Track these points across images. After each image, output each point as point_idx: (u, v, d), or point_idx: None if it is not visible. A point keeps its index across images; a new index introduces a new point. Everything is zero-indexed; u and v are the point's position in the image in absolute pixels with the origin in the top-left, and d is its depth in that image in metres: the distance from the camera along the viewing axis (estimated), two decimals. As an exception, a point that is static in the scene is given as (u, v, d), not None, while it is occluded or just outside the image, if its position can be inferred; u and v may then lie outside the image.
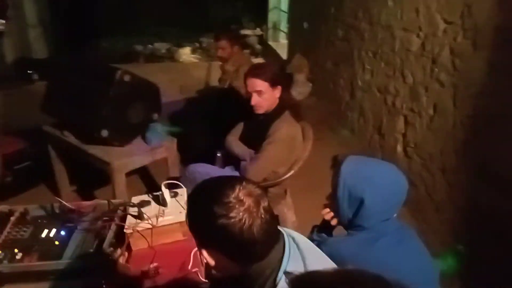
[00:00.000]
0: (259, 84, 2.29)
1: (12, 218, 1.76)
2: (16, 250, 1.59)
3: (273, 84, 2.32)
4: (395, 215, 1.36)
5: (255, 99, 2.31)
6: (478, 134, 2.36)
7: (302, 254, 1.04)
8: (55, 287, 1.52)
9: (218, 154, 2.68)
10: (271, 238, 1.03)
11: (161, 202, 1.76)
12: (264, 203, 1.00)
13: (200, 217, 1.01)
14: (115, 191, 2.42)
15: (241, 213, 0.96)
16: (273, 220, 1.03)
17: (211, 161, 2.66)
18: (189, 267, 1.60)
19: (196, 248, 1.64)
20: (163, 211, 1.72)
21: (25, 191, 3.06)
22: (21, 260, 1.56)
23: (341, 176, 1.32)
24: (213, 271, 1.09)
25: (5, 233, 1.67)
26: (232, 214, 0.95)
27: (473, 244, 2.41)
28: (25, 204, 1.86)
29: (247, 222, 0.96)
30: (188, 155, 3.08)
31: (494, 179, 2.24)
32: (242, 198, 0.98)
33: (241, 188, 0.99)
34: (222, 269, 1.06)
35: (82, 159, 2.67)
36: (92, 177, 2.92)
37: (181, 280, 1.55)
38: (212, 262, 1.03)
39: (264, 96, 2.30)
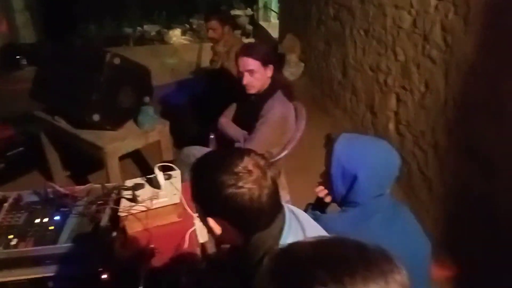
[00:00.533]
0: (251, 63, 2.27)
1: (6, 205, 1.76)
2: (11, 236, 1.59)
3: (264, 63, 2.31)
4: (388, 191, 1.38)
5: (247, 79, 2.30)
6: (468, 112, 2.37)
7: (302, 226, 1.07)
8: (51, 272, 1.53)
9: (211, 136, 2.68)
10: (276, 208, 1.05)
11: (155, 184, 1.76)
12: (271, 173, 1.03)
13: (208, 186, 1.01)
14: (108, 175, 2.41)
15: (250, 183, 0.98)
16: (277, 191, 1.05)
17: (205, 143, 2.66)
18: (185, 247, 1.61)
19: (191, 229, 1.66)
20: (157, 193, 1.72)
21: (18, 178, 3.05)
22: (16, 245, 1.55)
23: (334, 153, 1.33)
24: (215, 240, 1.10)
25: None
26: (241, 184, 0.97)
27: (462, 222, 2.46)
28: (18, 190, 1.86)
29: (256, 192, 0.98)
30: (181, 138, 3.07)
31: (481, 158, 2.26)
32: (250, 168, 1.00)
33: (249, 158, 1.01)
34: (226, 238, 1.08)
35: (74, 144, 2.65)
36: (85, 162, 2.91)
37: (178, 260, 1.57)
38: (218, 231, 1.05)
39: (255, 75, 2.29)
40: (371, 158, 1.31)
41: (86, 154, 2.61)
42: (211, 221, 1.04)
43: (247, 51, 2.32)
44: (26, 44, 6.04)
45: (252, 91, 2.34)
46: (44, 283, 1.55)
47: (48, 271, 1.53)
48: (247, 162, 1.00)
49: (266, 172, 1.02)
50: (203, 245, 1.69)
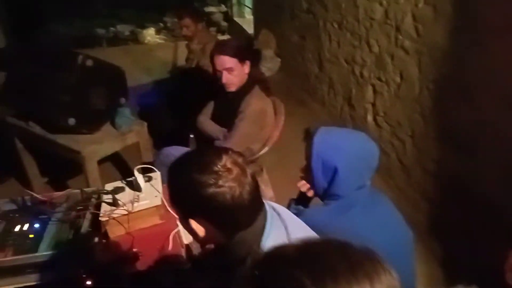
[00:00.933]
0: (227, 60, 2.26)
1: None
2: (-11, 246, 1.55)
3: (241, 59, 2.30)
4: (369, 182, 1.39)
5: (225, 77, 2.28)
6: (442, 99, 2.43)
7: (284, 223, 1.07)
8: (33, 281, 1.50)
9: (191, 136, 2.66)
10: (257, 205, 1.05)
11: (135, 187, 1.74)
12: (250, 171, 1.02)
13: (187, 188, 1.00)
14: (88, 179, 2.37)
15: (230, 181, 0.97)
16: (258, 188, 1.04)
17: (184, 143, 2.64)
18: (169, 249, 1.60)
19: (175, 230, 1.65)
20: (138, 196, 1.70)
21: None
22: (-4, 255, 1.52)
23: (314, 147, 1.33)
24: (198, 242, 1.09)
25: (-25, 230, 1.62)
26: (221, 183, 0.96)
27: (440, 205, 2.52)
28: (-6, 199, 1.81)
29: (237, 190, 0.97)
30: (160, 139, 3.04)
31: (456, 142, 2.32)
32: (229, 166, 0.99)
33: (227, 156, 1.00)
34: (209, 239, 1.06)
35: (51, 150, 2.59)
36: (63, 167, 2.85)
37: (162, 262, 1.56)
38: (201, 233, 1.04)
39: (234, 72, 2.28)
40: (350, 149, 1.33)
41: (64, 159, 2.56)
42: (193, 223, 1.03)
43: (222, 49, 2.30)
44: (-6, 48, 5.85)
45: (232, 88, 2.33)
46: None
47: (29, 280, 1.50)
48: (226, 161, 1.00)
49: (245, 169, 1.01)
50: (187, 246, 1.68)
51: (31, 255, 1.50)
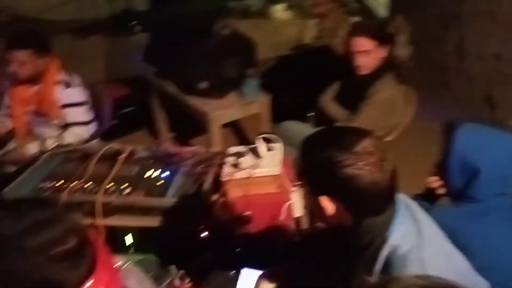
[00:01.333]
0: (365, 42, 2.18)
1: (121, 157, 1.92)
2: (124, 185, 1.74)
3: (379, 43, 2.20)
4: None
5: (360, 59, 2.21)
6: None
7: (415, 217, 1.01)
8: (157, 222, 1.65)
9: (311, 114, 2.65)
10: (392, 194, 1.00)
11: (257, 154, 1.79)
12: (390, 157, 0.97)
13: (324, 165, 0.97)
14: (210, 141, 2.52)
15: (369, 165, 0.93)
16: (396, 177, 0.99)
17: (303, 120, 2.64)
18: (280, 219, 1.63)
19: (289, 202, 1.67)
20: (258, 163, 1.75)
21: (128, 135, 3.31)
22: (129, 194, 1.70)
23: (455, 143, 1.23)
24: (323, 220, 1.07)
25: (116, 169, 1.83)
26: (360, 165, 0.93)
27: None
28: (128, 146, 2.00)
29: (376, 175, 0.94)
30: (279, 113, 3.09)
31: None
32: (371, 149, 0.95)
33: (369, 139, 0.96)
34: (334, 218, 1.03)
35: (181, 109, 2.80)
36: (189, 126, 3.06)
37: (273, 230, 1.60)
38: (331, 211, 1.01)
39: (370, 55, 2.20)
40: (498, 151, 1.19)
41: (191, 118, 2.75)
42: (324, 200, 1.00)
43: (362, 30, 2.23)
44: (140, 11, 6.45)
45: (364, 71, 2.25)
46: (149, 232, 1.68)
47: (154, 222, 1.66)
48: (368, 143, 0.95)
49: (385, 155, 0.96)
50: (297, 220, 1.70)
51: (160, 199, 1.65)
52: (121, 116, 3.17)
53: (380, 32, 2.22)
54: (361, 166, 0.93)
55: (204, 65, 2.60)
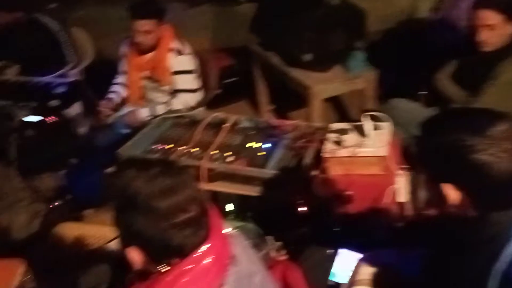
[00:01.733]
0: (493, 16, 1.93)
1: (226, 125, 1.98)
2: (228, 153, 1.79)
3: (508, 18, 1.95)
4: None
5: (485, 34, 1.97)
6: None
7: None
8: (256, 192, 1.68)
9: (423, 92, 2.46)
10: None
11: (362, 132, 1.72)
12: None
13: (450, 149, 0.89)
14: (311, 115, 2.48)
15: (504, 152, 0.84)
16: None
17: (413, 99, 2.47)
18: (383, 202, 1.56)
19: (393, 186, 1.58)
20: (363, 142, 1.68)
21: (229, 104, 3.40)
22: (231, 162, 1.75)
23: None
24: (442, 209, 0.98)
25: (220, 137, 1.89)
26: (494, 150, 0.84)
27: None
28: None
29: (509, 164, 0.84)
30: (386, 90, 2.92)
31: None
32: (507, 134, 0.85)
33: (504, 122, 0.87)
34: (458, 209, 0.94)
35: (282, 80, 2.79)
36: (289, 99, 3.04)
37: (373, 212, 1.54)
38: (455, 200, 0.92)
39: (496, 31, 1.95)
40: None
41: (292, 91, 2.72)
42: (448, 188, 0.91)
43: (489, 2, 1.98)
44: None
45: (488, 48, 2.01)
46: (249, 200, 1.73)
47: (254, 191, 1.69)
48: (504, 127, 0.85)
49: None
50: (401, 205, 1.61)
51: (261, 169, 1.67)
52: (225, 86, 3.25)
53: (510, 5, 1.94)
54: (495, 152, 0.83)
55: (310, 36, 2.54)
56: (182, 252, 0.83)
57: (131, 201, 0.82)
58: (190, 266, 0.82)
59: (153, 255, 0.85)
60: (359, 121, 1.74)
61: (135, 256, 0.86)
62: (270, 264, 1.31)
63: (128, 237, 0.86)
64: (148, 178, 0.83)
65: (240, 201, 1.76)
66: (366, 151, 1.63)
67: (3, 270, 1.27)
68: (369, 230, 1.48)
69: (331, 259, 1.44)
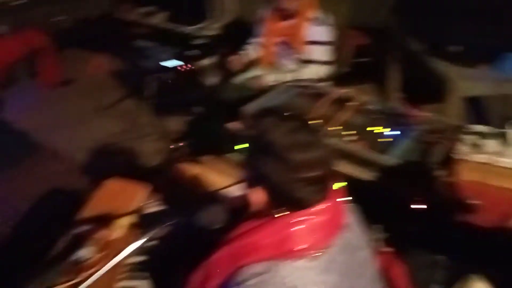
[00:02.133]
0: None
1: (353, 104, 1.91)
2: (351, 132, 1.73)
3: None
4: None
5: None
6: None
7: None
8: (372, 177, 1.60)
9: None
10: None
11: (504, 140, 1.53)
12: None
13: None
14: (446, 111, 2.27)
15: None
16: None
17: None
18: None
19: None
20: (506, 151, 1.49)
21: (356, 84, 3.27)
22: (353, 142, 1.69)
23: None
24: None
25: (346, 114, 1.83)
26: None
27: None
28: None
29: None
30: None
31: None
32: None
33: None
34: None
35: (419, 69, 2.59)
36: (422, 90, 2.83)
37: (501, 230, 1.37)
38: None
39: None
40: None
41: (428, 82, 2.51)
42: None
43: None
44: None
45: None
46: (358, 183, 1.64)
47: (369, 176, 1.60)
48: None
49: None
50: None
51: (383, 156, 1.58)
52: (356, 64, 3.14)
53: None
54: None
55: (463, 26, 2.30)
56: (302, 205, 0.86)
57: (267, 148, 0.85)
58: (307, 217, 0.85)
59: (275, 200, 0.88)
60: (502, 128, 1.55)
61: (258, 197, 0.89)
62: (376, 251, 1.26)
63: (256, 179, 0.89)
64: (287, 129, 0.86)
65: (349, 182, 1.69)
66: (507, 161, 1.44)
67: (130, 189, 1.42)
68: (492, 248, 1.33)
69: (435, 266, 1.33)
